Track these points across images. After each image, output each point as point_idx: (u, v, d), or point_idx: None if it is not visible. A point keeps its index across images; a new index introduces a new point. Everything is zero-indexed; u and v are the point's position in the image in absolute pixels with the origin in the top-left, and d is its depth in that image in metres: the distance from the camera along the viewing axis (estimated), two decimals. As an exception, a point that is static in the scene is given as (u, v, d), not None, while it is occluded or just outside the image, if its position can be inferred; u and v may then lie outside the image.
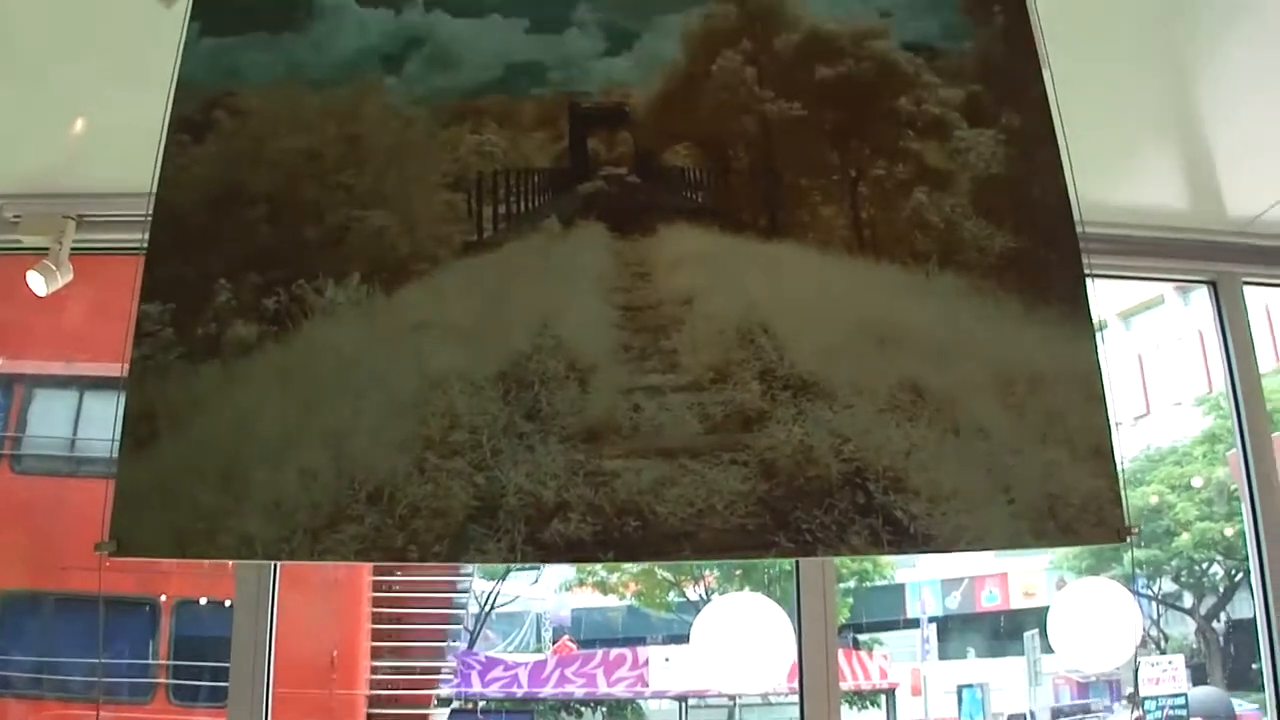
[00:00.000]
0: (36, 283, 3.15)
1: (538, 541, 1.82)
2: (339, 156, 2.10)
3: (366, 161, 2.10)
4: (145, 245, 2.07)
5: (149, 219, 2.07)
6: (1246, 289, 3.79)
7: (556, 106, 2.17)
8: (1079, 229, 2.16)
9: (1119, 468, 1.99)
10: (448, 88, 2.17)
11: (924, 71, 2.24)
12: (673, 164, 2.18)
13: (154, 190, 2.09)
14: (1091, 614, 2.75)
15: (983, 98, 2.23)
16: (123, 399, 1.97)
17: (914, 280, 2.08)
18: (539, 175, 2.14)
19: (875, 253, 2.10)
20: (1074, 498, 1.93)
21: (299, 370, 1.96)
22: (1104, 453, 1.98)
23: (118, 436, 1.93)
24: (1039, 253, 2.13)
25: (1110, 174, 3.32)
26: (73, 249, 3.26)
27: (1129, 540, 2.00)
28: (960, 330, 2.05)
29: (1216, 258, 3.80)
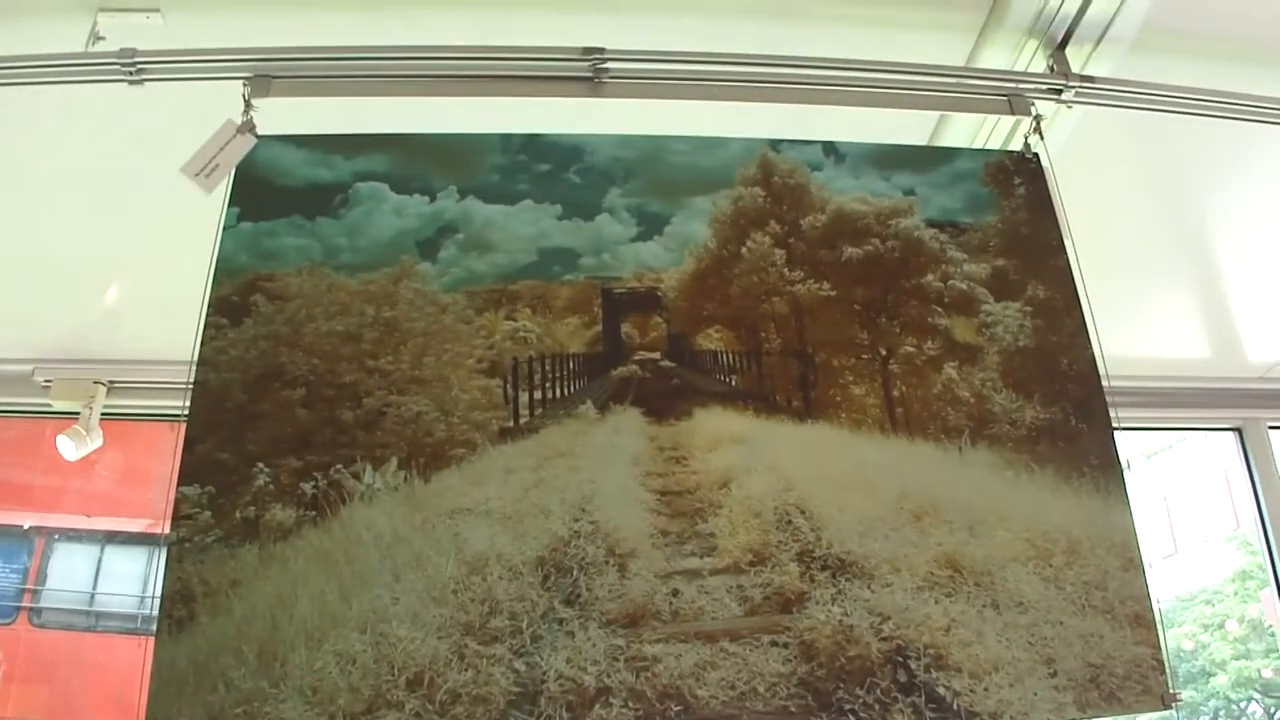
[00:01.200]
0: (66, 447, 3.30)
1: (580, 728, 1.91)
2: (375, 340, 2.27)
3: (403, 346, 2.27)
4: (177, 414, 2.21)
5: (187, 400, 2.21)
6: (1272, 433, 3.95)
7: (589, 291, 2.37)
8: (1105, 383, 2.31)
9: (1161, 635, 2.09)
10: (482, 273, 2.37)
11: (949, 247, 2.45)
12: (705, 347, 2.37)
13: (192, 374, 2.24)
14: (1129, 759, 2.80)
15: (1008, 271, 2.44)
16: (160, 580, 2.07)
17: (947, 456, 2.25)
18: (574, 360, 2.31)
19: (908, 430, 2.27)
20: (1117, 667, 2.06)
21: (337, 555, 2.08)
22: (1145, 620, 2.13)
23: (155, 616, 2.04)
24: (1070, 422, 2.31)
25: (1132, 328, 3.52)
26: (103, 414, 3.40)
27: (1174, 706, 2.07)
28: (995, 504, 2.21)
29: (1241, 405, 4.01)
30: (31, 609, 6.67)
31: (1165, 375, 3.86)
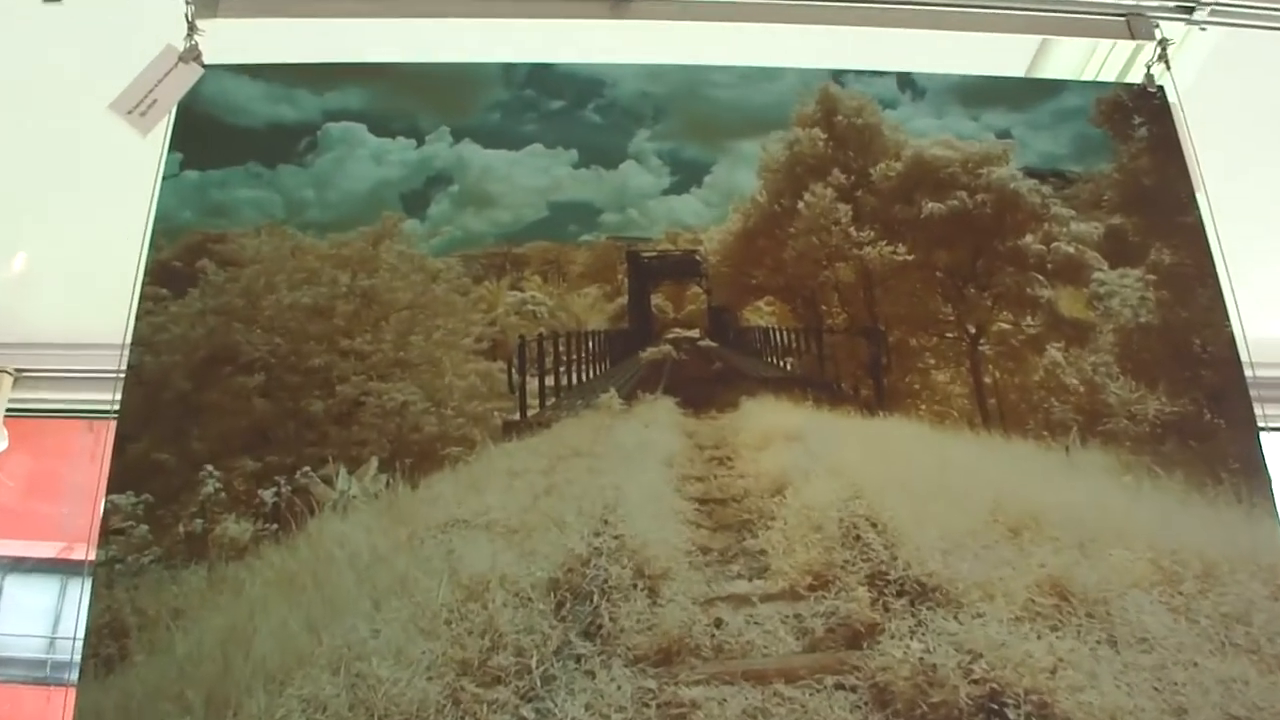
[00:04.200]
0: (-38, 450, 3.31)
1: (601, 789, 1.93)
2: (350, 316, 2.30)
3: (384, 322, 2.30)
4: (104, 409, 2.21)
5: (117, 392, 2.23)
6: None
7: (612, 255, 2.40)
8: (1249, 374, 2.32)
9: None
10: (481, 233, 2.41)
11: (1053, 202, 2.46)
12: (755, 323, 2.40)
13: (125, 357, 2.25)
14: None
15: (1126, 231, 2.45)
16: (85, 609, 2.09)
17: (1052, 458, 2.26)
18: (593, 339, 2.34)
19: (1003, 425, 2.28)
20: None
21: (304, 578, 2.10)
22: (1300, 662, 2.11)
23: (78, 656, 2.06)
24: (1203, 416, 2.32)
25: (1277, 303, 3.48)
26: (8, 410, 3.42)
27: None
28: (1111, 516, 2.22)
29: None
30: (-89, 652, 6.68)
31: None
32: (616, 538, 2.13)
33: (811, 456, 2.23)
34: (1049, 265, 2.42)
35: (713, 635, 2.05)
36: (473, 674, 1.99)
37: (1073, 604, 2.10)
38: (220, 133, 2.44)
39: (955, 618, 2.07)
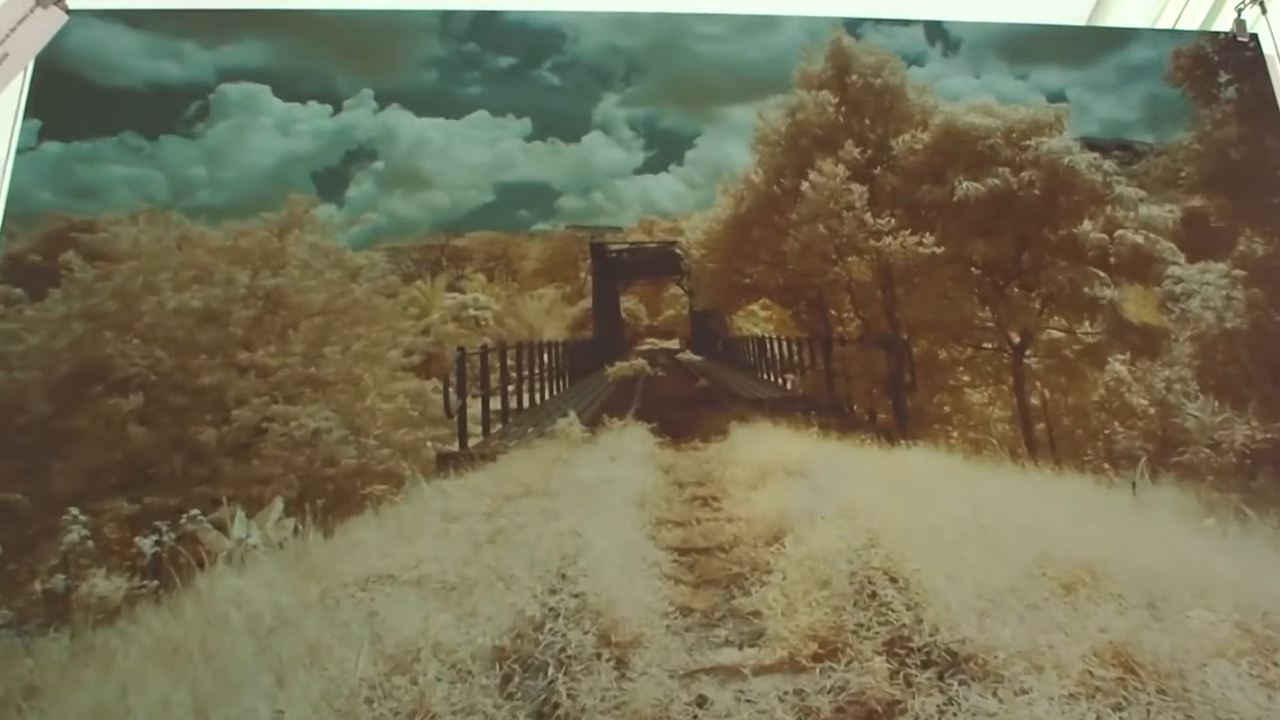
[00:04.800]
0: None
1: None
2: (250, 323, 2.27)
3: (292, 330, 2.28)
4: None
5: None
6: None
7: (573, 248, 2.37)
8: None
9: None
10: (412, 220, 2.37)
11: (1118, 181, 2.44)
12: (748, 331, 2.37)
13: None
14: None
15: (1209, 215, 2.42)
16: None
17: (1114, 496, 2.24)
18: (549, 351, 2.33)
19: (1054, 457, 2.26)
20: (1373, 809, 2.05)
21: (191, 646, 2.07)
22: None
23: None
24: (1305, 446, 2.28)
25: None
26: None
27: None
28: (1189, 568, 2.19)
29: None
30: None
31: None
32: (576, 596, 2.11)
33: (817, 495, 2.21)
34: (1112, 258, 2.41)
35: (695, 716, 2.01)
36: (399, 765, 1.97)
37: (1140, 677, 2.08)
38: (89, 95, 2.41)
39: (994, 694, 2.04)
